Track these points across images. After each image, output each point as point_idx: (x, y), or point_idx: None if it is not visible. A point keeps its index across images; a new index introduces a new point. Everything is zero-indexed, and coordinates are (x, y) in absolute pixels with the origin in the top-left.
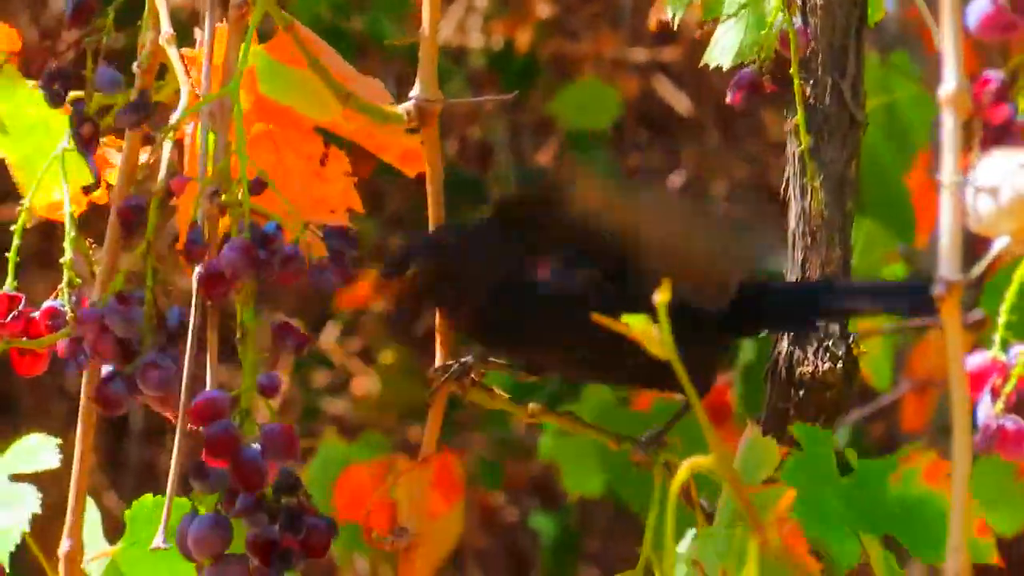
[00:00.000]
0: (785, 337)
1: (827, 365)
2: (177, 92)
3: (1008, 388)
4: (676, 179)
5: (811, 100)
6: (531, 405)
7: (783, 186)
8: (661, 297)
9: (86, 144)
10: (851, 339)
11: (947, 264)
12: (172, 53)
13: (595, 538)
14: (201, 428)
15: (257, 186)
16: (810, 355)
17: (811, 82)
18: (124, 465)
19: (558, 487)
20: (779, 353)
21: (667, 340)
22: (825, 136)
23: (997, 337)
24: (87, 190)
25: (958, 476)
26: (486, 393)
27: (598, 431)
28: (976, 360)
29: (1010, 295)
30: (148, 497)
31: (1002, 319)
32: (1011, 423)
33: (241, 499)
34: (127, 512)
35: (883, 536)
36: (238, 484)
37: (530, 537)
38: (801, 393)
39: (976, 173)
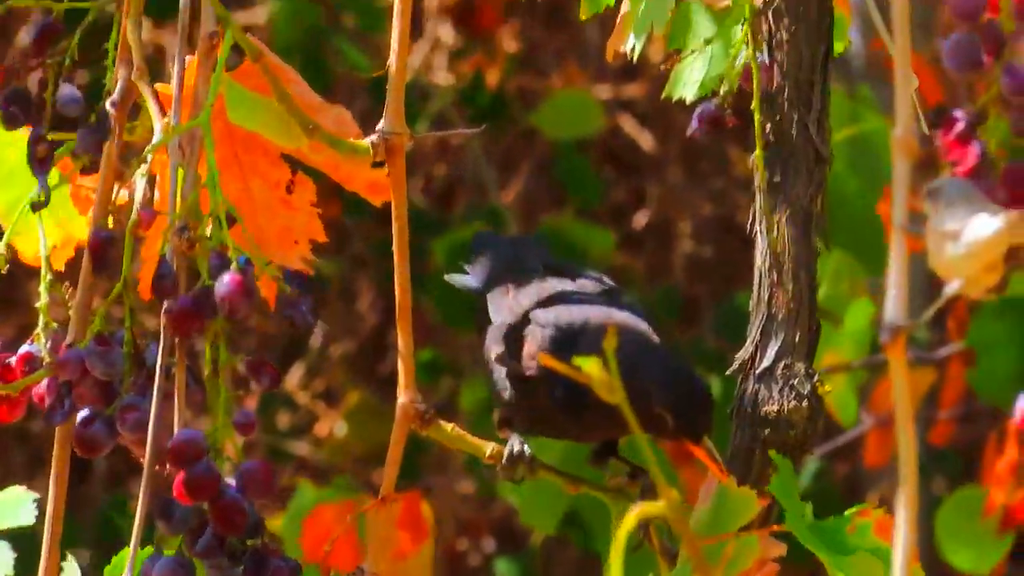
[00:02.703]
0: (751, 376)
1: (792, 403)
2: (149, 131)
3: None
4: (641, 217)
5: (775, 135)
6: (491, 445)
7: (749, 222)
8: (608, 344)
9: (40, 164)
10: (815, 377)
11: (894, 309)
12: (144, 88)
13: None
14: (174, 469)
15: (228, 221)
16: (775, 393)
17: (776, 117)
18: (89, 511)
19: (521, 530)
20: (744, 392)
21: (616, 385)
22: (791, 171)
23: None
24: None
25: (901, 520)
26: (445, 431)
27: (557, 473)
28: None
29: None
30: (125, 551)
31: None
32: None
33: (203, 541)
34: (107, 568)
35: None
36: (220, 526)
37: None
38: (766, 432)
39: (937, 216)
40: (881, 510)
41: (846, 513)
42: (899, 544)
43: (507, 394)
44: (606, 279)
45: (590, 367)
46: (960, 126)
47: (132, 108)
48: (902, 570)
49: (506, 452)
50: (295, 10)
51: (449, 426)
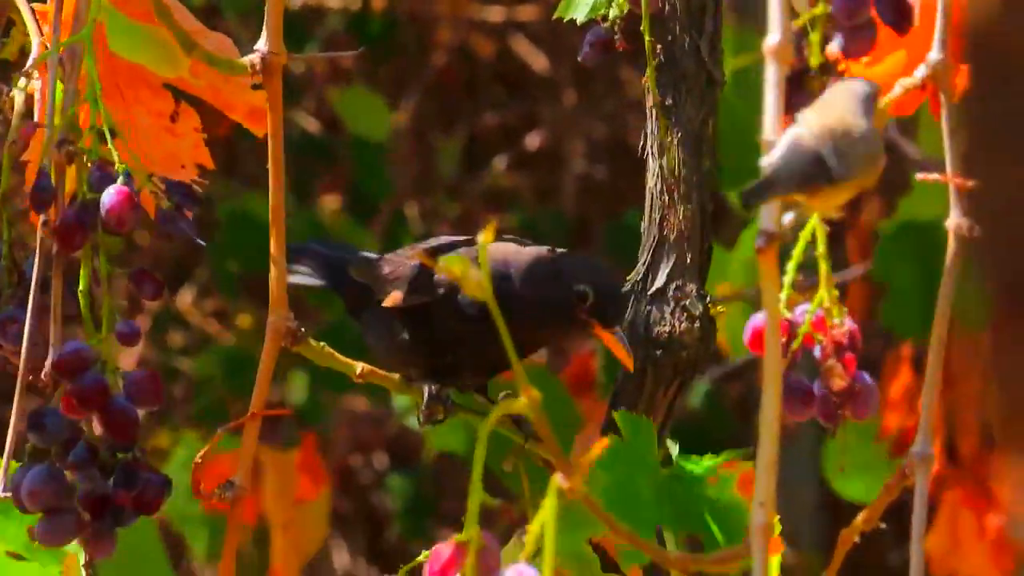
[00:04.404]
0: (643, 298)
1: (684, 324)
2: (21, 50)
3: (793, 346)
4: (534, 139)
5: (667, 58)
6: (361, 365)
7: (641, 144)
8: (484, 238)
9: None
10: (707, 299)
11: (767, 216)
12: (22, 4)
13: (451, 498)
14: (59, 381)
15: (107, 135)
16: (667, 315)
17: (668, 39)
18: None
19: (414, 447)
20: (635, 313)
21: (486, 282)
22: (683, 94)
23: (783, 295)
24: None
25: (765, 425)
26: (315, 349)
27: (469, 411)
28: (760, 318)
29: (795, 254)
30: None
31: (788, 277)
32: (795, 382)
33: (75, 452)
34: None
35: (688, 535)
36: (112, 435)
37: (386, 498)
38: (659, 353)
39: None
40: (749, 463)
41: (710, 462)
42: (764, 453)
43: (405, 344)
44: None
45: (454, 263)
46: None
47: (7, 25)
48: (763, 492)
49: (425, 396)
50: None
51: (319, 344)
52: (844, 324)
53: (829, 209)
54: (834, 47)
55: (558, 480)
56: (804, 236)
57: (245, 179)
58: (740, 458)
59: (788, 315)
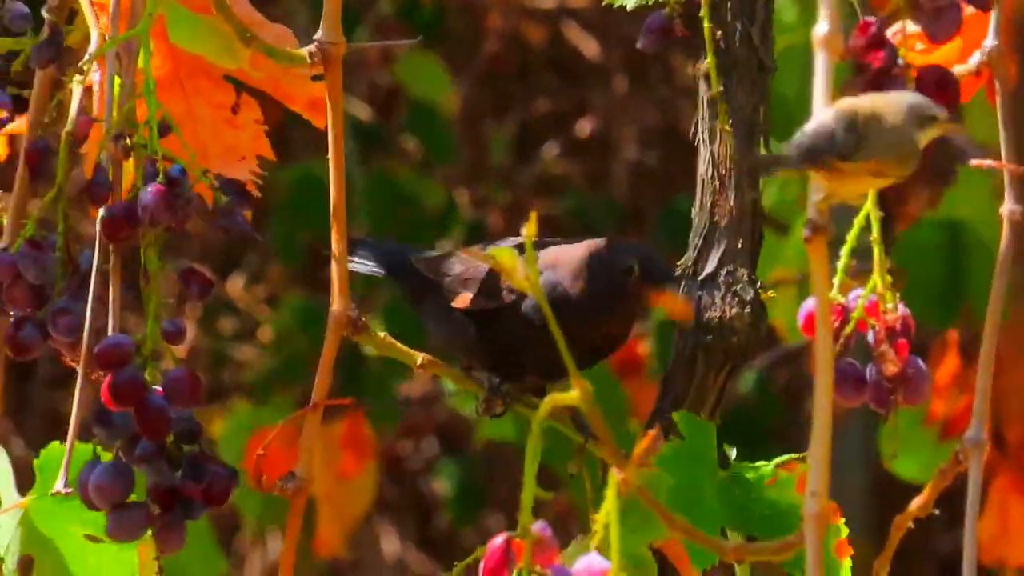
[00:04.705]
0: (693, 283)
1: (734, 310)
2: (86, 37)
3: (846, 331)
4: (585, 126)
5: (719, 45)
6: (421, 356)
7: (692, 131)
8: (528, 231)
9: None
10: (758, 284)
11: (814, 209)
12: None
13: (501, 484)
14: (104, 374)
15: (163, 129)
16: (717, 300)
17: (720, 26)
18: (30, 411)
19: (463, 434)
20: (688, 300)
21: (533, 275)
22: (734, 81)
23: (836, 280)
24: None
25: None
26: (377, 338)
27: (527, 406)
28: (814, 302)
29: (850, 239)
30: (56, 444)
31: (841, 263)
32: (849, 366)
33: (142, 446)
34: (36, 461)
35: (749, 536)
36: (143, 431)
37: (436, 484)
38: (709, 338)
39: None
40: (806, 465)
41: (769, 464)
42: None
43: (472, 340)
44: None
45: (502, 255)
46: (872, 30)
47: (70, 15)
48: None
49: (486, 387)
50: None
51: (381, 334)
52: (897, 309)
53: (851, 194)
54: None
55: (614, 473)
56: (858, 222)
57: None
58: (798, 460)
59: (841, 300)
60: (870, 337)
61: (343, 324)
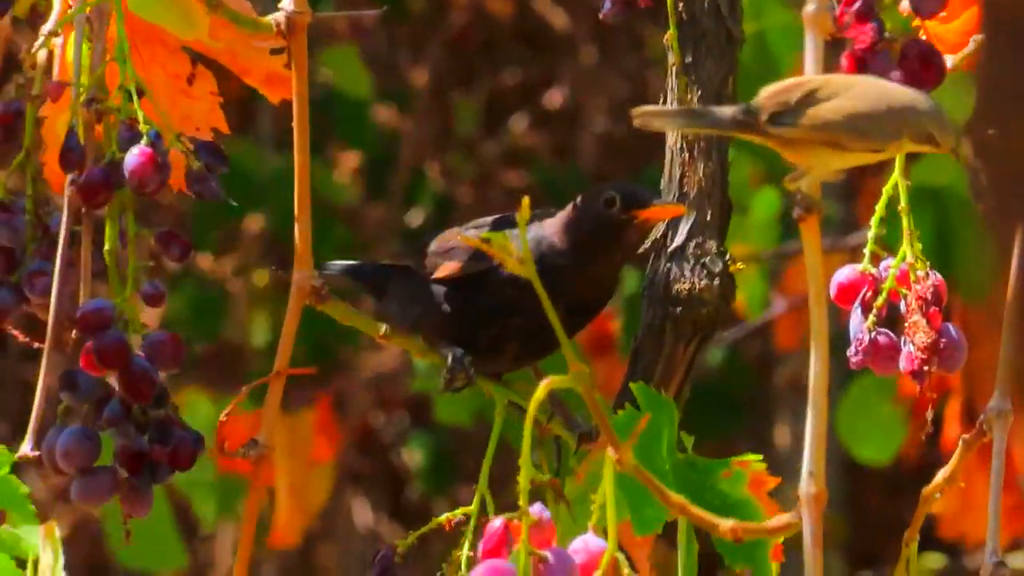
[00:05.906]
0: (663, 255)
1: (703, 281)
2: (34, 6)
3: (879, 302)
4: (553, 97)
5: (688, 16)
6: (384, 326)
7: (661, 101)
8: (521, 214)
9: None
10: (727, 256)
11: (802, 189)
12: None
13: (472, 457)
14: (82, 339)
15: (136, 93)
16: (687, 272)
17: None
18: (3, 384)
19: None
20: (656, 270)
21: (527, 257)
22: (703, 51)
23: (867, 251)
24: None
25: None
26: (341, 307)
27: (492, 381)
28: (846, 273)
29: (879, 209)
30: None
31: (871, 232)
32: (883, 337)
33: (109, 409)
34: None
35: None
36: (128, 394)
37: (407, 456)
38: (678, 310)
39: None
40: (761, 464)
41: (724, 459)
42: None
43: (451, 317)
44: None
45: (497, 239)
46: (858, 5)
47: None
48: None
49: (449, 361)
50: None
51: (343, 303)
52: (928, 278)
53: (821, 169)
54: (904, 6)
55: (610, 453)
56: (887, 190)
57: (259, 139)
58: (753, 459)
59: (872, 271)
60: (902, 307)
61: (306, 292)
